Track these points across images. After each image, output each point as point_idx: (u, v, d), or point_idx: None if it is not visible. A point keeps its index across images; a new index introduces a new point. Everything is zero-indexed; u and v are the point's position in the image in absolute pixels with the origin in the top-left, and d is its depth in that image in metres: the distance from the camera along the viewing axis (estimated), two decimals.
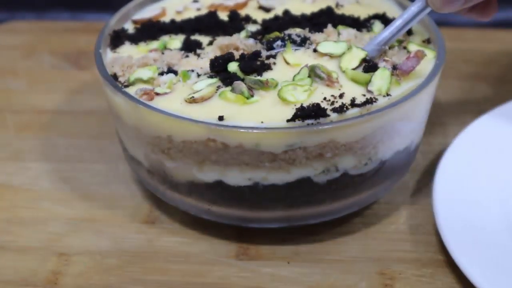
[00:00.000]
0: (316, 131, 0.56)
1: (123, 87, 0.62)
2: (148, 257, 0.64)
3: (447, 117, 0.76)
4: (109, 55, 0.67)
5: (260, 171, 0.58)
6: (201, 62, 0.64)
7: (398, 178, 0.66)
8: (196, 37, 0.68)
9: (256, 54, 0.62)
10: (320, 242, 0.65)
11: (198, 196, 0.62)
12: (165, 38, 0.68)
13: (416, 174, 0.72)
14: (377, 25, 0.68)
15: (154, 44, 0.67)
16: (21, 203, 0.70)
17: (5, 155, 0.76)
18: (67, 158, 0.67)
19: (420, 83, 0.61)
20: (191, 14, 0.71)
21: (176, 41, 0.67)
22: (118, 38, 0.68)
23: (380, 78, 0.60)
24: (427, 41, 0.67)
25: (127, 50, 0.67)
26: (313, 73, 0.60)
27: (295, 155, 0.57)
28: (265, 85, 0.59)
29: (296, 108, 0.57)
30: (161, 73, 0.62)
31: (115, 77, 0.63)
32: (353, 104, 0.58)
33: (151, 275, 0.62)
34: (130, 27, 0.70)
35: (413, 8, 0.62)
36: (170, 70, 0.63)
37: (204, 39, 0.67)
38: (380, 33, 0.63)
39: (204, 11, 0.72)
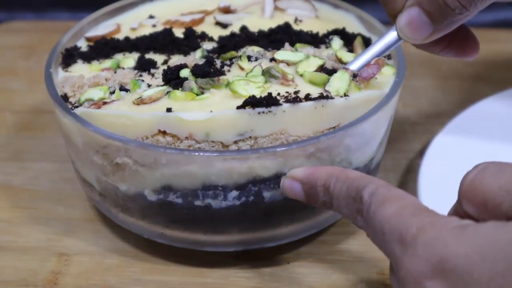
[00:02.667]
0: (266, 116, 0.56)
1: (73, 108, 0.61)
2: (148, 257, 0.64)
3: (447, 117, 0.76)
4: (60, 74, 0.66)
5: (212, 170, 0.57)
6: (155, 81, 0.63)
7: None
8: (150, 55, 0.67)
9: (210, 61, 0.62)
10: (320, 242, 0.65)
11: (151, 220, 0.61)
12: (118, 57, 0.67)
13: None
14: (336, 41, 0.67)
15: (107, 63, 0.66)
16: (21, 203, 0.70)
17: (5, 155, 0.76)
18: (67, 158, 0.67)
19: (380, 93, 0.60)
20: (146, 30, 0.70)
21: (130, 59, 0.66)
22: (70, 57, 0.67)
23: (339, 80, 0.59)
24: (387, 57, 0.66)
25: (80, 69, 0.66)
26: (268, 73, 0.59)
27: (246, 147, 0.57)
28: (216, 83, 0.59)
29: (248, 97, 0.57)
30: (113, 92, 0.61)
31: (65, 97, 0.62)
32: (307, 98, 0.57)
33: (151, 275, 0.62)
34: (83, 45, 0.69)
35: (388, 41, 0.61)
36: (122, 89, 0.62)
37: (158, 58, 0.66)
38: (350, 62, 0.62)
39: (159, 28, 0.70)
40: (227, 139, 0.57)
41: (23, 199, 0.70)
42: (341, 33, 0.69)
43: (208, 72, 0.60)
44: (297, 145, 0.56)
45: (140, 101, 0.58)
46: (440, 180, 0.66)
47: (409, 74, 0.66)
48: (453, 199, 0.48)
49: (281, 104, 0.57)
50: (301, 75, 0.60)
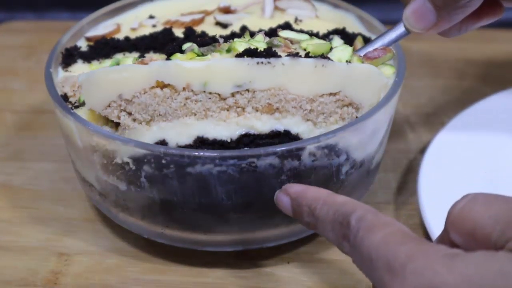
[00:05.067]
0: (265, 67, 0.55)
1: (73, 108, 0.61)
2: (148, 257, 0.64)
3: (447, 117, 0.76)
4: (60, 74, 0.66)
5: (208, 123, 0.57)
6: None
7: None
8: (150, 55, 0.67)
9: (213, 38, 0.61)
10: (320, 242, 0.65)
11: (151, 220, 0.61)
12: (118, 56, 0.67)
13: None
14: (336, 40, 0.66)
15: (107, 63, 0.66)
16: (21, 203, 0.70)
17: (5, 155, 0.76)
18: (67, 158, 0.67)
19: (381, 73, 0.60)
20: (146, 30, 0.70)
21: (130, 59, 0.65)
22: (70, 56, 0.67)
23: (341, 50, 0.59)
24: None
25: (80, 68, 0.66)
26: (270, 43, 0.59)
27: (244, 101, 0.56)
28: (217, 47, 0.59)
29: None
30: None
31: (65, 97, 0.62)
32: (307, 55, 0.57)
33: (151, 275, 0.62)
34: (83, 45, 0.69)
35: (396, 33, 0.62)
36: None
37: (158, 58, 0.66)
38: (357, 50, 0.62)
39: (159, 28, 0.70)
40: (225, 90, 0.56)
41: (23, 199, 0.70)
42: (341, 33, 0.69)
43: (211, 44, 0.60)
44: (296, 145, 0.56)
45: (141, 62, 0.58)
46: (440, 180, 0.66)
47: (409, 74, 0.66)
48: (453, 199, 0.48)
49: (280, 56, 0.56)
50: (304, 49, 0.60)
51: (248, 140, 0.57)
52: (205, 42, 0.62)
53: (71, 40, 0.69)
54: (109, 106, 0.58)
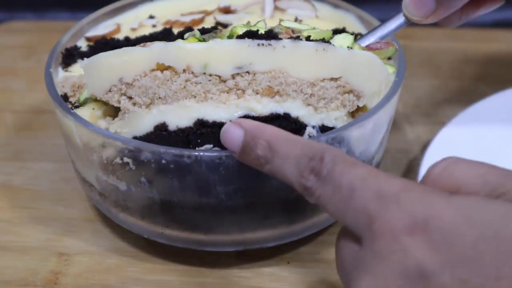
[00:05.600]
0: (266, 49, 0.55)
1: (73, 108, 0.61)
2: (148, 257, 0.64)
3: (447, 117, 0.76)
4: (60, 74, 0.66)
5: (208, 106, 0.56)
6: None
7: None
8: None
9: (215, 27, 0.61)
10: (320, 242, 0.65)
11: (151, 220, 0.61)
12: None
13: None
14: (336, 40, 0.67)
15: None
16: (21, 203, 0.70)
17: (5, 155, 0.76)
18: (67, 158, 0.67)
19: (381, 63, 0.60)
20: (146, 31, 0.70)
21: None
22: (70, 56, 0.67)
23: (343, 38, 0.59)
24: (388, 57, 0.66)
25: (80, 68, 0.65)
26: (271, 31, 0.59)
27: (244, 83, 0.56)
28: (219, 33, 0.58)
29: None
30: None
31: (65, 97, 0.62)
32: (308, 39, 0.57)
33: (151, 275, 0.62)
34: (83, 45, 0.69)
35: (396, 23, 0.62)
36: None
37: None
38: (357, 40, 0.62)
39: (159, 28, 0.70)
40: (225, 71, 0.56)
41: (23, 199, 0.70)
42: (341, 32, 0.68)
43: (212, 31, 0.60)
44: None
45: (143, 46, 0.58)
46: None
47: (409, 74, 0.66)
48: None
49: (281, 39, 0.56)
50: (306, 38, 0.60)
51: None
52: (207, 30, 0.61)
53: (71, 40, 0.69)
54: (110, 90, 0.58)
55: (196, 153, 0.55)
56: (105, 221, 0.67)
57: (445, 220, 0.40)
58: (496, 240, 0.39)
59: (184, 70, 0.56)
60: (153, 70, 0.57)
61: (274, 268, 0.63)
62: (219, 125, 0.56)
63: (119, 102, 0.58)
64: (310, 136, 0.56)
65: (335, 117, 0.58)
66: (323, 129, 0.57)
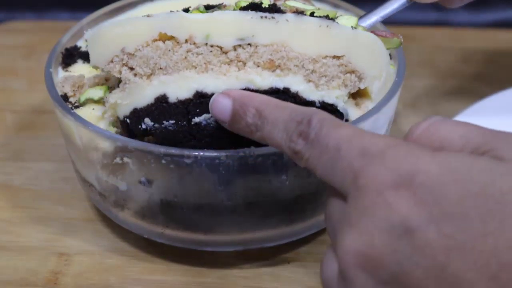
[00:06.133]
0: (268, 22, 0.55)
1: (73, 108, 0.61)
2: (148, 257, 0.64)
3: (447, 117, 0.76)
4: (60, 74, 0.66)
5: (208, 77, 0.56)
6: None
7: None
8: None
9: (218, 5, 0.61)
10: (320, 242, 0.65)
11: (151, 220, 0.61)
12: None
13: None
14: None
15: None
16: (21, 203, 0.70)
17: (5, 155, 0.76)
18: (67, 158, 0.67)
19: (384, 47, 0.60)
20: None
21: None
22: (70, 56, 0.67)
23: (347, 19, 0.59)
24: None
25: (80, 68, 0.66)
26: (275, 6, 0.58)
27: (245, 55, 0.56)
28: (222, 8, 0.58)
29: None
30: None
31: (65, 97, 0.62)
32: (312, 15, 0.57)
33: (151, 275, 0.62)
34: (83, 45, 0.69)
35: (396, 4, 0.63)
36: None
37: None
38: (360, 20, 0.62)
39: None
40: (227, 43, 0.56)
41: (23, 199, 0.70)
42: None
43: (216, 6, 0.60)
44: None
45: (146, 16, 0.58)
46: None
47: (409, 74, 0.66)
48: None
49: (285, 12, 0.56)
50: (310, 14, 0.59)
51: None
52: (211, 6, 0.61)
53: (71, 40, 0.69)
54: (111, 61, 0.57)
55: (196, 153, 0.55)
56: (105, 221, 0.67)
57: (431, 176, 0.40)
58: (482, 196, 0.39)
59: (186, 41, 0.56)
60: (155, 40, 0.56)
61: (274, 268, 0.63)
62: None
63: (120, 72, 0.57)
64: None
65: (336, 95, 0.57)
66: (324, 106, 0.57)
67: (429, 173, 0.40)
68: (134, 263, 0.63)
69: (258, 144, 0.56)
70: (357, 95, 0.59)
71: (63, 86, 0.63)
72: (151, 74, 0.57)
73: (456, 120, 0.45)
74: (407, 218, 0.39)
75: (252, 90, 0.56)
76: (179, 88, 0.56)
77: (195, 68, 0.56)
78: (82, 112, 0.61)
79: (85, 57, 0.67)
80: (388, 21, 0.65)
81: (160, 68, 0.56)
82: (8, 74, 0.89)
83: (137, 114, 0.57)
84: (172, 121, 0.56)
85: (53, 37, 0.72)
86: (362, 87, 0.58)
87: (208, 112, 0.55)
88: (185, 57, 0.56)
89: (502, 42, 0.93)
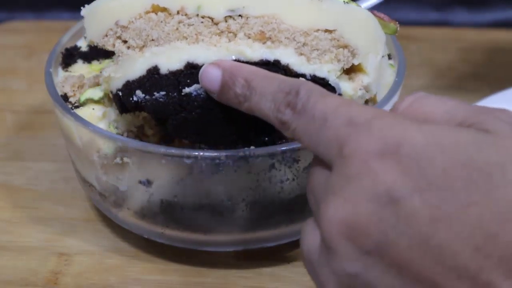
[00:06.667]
0: None
1: (73, 108, 0.61)
2: (148, 257, 0.64)
3: None
4: (60, 74, 0.66)
5: (198, 48, 0.56)
6: None
7: None
8: None
9: None
10: None
11: (151, 220, 0.61)
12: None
13: None
14: None
15: (107, 63, 0.65)
16: (21, 203, 0.70)
17: (5, 155, 0.76)
18: (67, 158, 0.67)
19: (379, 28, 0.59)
20: None
21: None
22: (70, 56, 0.67)
23: None
24: (388, 57, 0.66)
25: (80, 68, 0.66)
26: None
27: (236, 26, 0.56)
28: None
29: None
30: None
31: (65, 97, 0.62)
32: None
33: (151, 275, 0.62)
34: (83, 45, 0.69)
35: None
36: None
37: None
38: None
39: None
40: (218, 14, 0.56)
41: (23, 199, 0.70)
42: None
43: None
44: (295, 145, 0.56)
45: None
46: None
47: (409, 74, 0.66)
48: None
49: None
50: None
51: None
52: None
53: (71, 40, 0.69)
54: (106, 35, 0.57)
55: (196, 153, 0.55)
56: (105, 221, 0.67)
57: (417, 145, 0.39)
58: (467, 167, 0.39)
59: (178, 12, 0.56)
60: (148, 12, 0.56)
61: (274, 268, 0.63)
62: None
63: (114, 45, 0.57)
64: None
65: (328, 69, 0.57)
66: (315, 79, 0.56)
67: (415, 142, 0.39)
68: (134, 263, 0.63)
69: (258, 144, 0.56)
70: (351, 70, 0.59)
71: (63, 86, 0.63)
72: (143, 46, 0.57)
73: (440, 96, 0.44)
74: (392, 187, 0.39)
75: (243, 62, 0.55)
76: (170, 59, 0.56)
77: (186, 39, 0.56)
78: (82, 112, 0.61)
79: (85, 57, 0.67)
80: None
81: (152, 40, 0.56)
82: (8, 74, 0.89)
83: (129, 87, 0.56)
84: (163, 93, 0.55)
85: (53, 37, 0.72)
86: (356, 62, 0.58)
87: (198, 82, 0.55)
88: (177, 28, 0.56)
89: (502, 42, 0.93)
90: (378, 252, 0.39)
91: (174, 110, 0.55)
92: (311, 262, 0.43)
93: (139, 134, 0.60)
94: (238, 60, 0.55)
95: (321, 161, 0.44)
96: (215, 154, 0.55)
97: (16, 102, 0.84)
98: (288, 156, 0.56)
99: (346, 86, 0.58)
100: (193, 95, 0.55)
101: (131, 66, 0.56)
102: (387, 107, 0.59)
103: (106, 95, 0.61)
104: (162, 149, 0.56)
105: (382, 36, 0.59)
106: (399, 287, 0.39)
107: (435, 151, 0.39)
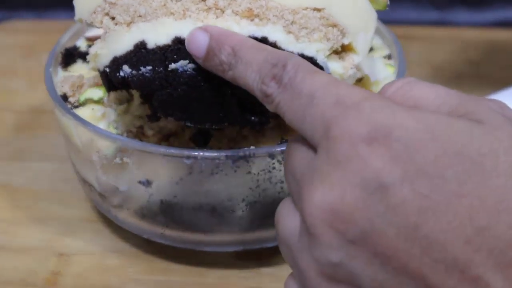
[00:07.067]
0: None
1: (73, 108, 0.61)
2: (148, 257, 0.64)
3: None
4: (60, 74, 0.66)
5: (186, 24, 0.55)
6: None
7: None
8: None
9: None
10: None
11: (151, 220, 0.61)
12: None
13: None
14: None
15: None
16: (21, 203, 0.70)
17: (5, 155, 0.76)
18: (67, 158, 0.67)
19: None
20: None
21: None
22: (70, 56, 0.67)
23: None
24: (388, 57, 0.66)
25: (79, 68, 0.66)
26: None
27: (224, 3, 0.55)
28: None
29: None
30: None
31: (65, 97, 0.62)
32: None
33: (151, 275, 0.62)
34: (83, 45, 0.69)
35: None
36: None
37: None
38: None
39: None
40: None
41: (23, 199, 0.70)
42: None
43: None
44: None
45: None
46: None
47: (409, 74, 0.66)
48: None
49: None
50: None
51: None
52: None
53: (71, 40, 0.69)
54: (94, 12, 0.57)
55: (196, 153, 0.55)
56: (105, 221, 0.67)
57: (408, 131, 0.38)
58: (459, 156, 0.38)
59: None
60: None
61: (274, 268, 0.62)
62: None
63: (101, 22, 0.57)
64: None
65: (317, 49, 0.56)
66: (303, 58, 0.55)
67: (406, 128, 0.38)
68: (134, 263, 0.63)
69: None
70: (342, 49, 0.58)
71: (62, 86, 0.63)
72: (130, 22, 0.56)
73: (430, 83, 0.43)
74: (381, 174, 0.38)
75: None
76: (158, 34, 0.55)
77: (173, 15, 0.56)
78: (81, 112, 0.61)
79: (85, 57, 0.67)
80: (388, 21, 0.65)
81: (140, 16, 0.56)
82: (7, 74, 0.89)
83: (116, 62, 0.56)
84: (149, 67, 0.55)
85: (53, 37, 0.72)
86: (346, 42, 0.57)
87: (185, 58, 0.54)
88: (164, 4, 0.56)
89: (502, 41, 0.93)
90: (363, 241, 0.38)
91: (160, 85, 0.55)
92: (288, 246, 0.42)
93: (139, 134, 0.60)
94: None
95: (303, 140, 0.42)
96: (215, 154, 0.55)
97: (15, 102, 0.84)
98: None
99: (336, 65, 0.57)
100: (179, 71, 0.54)
101: (119, 42, 0.56)
102: None
103: (105, 95, 0.61)
104: (162, 149, 0.56)
105: (372, 13, 0.58)
106: (383, 278, 0.38)
107: (426, 138, 0.38)
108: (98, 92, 0.62)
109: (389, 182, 0.38)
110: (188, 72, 0.54)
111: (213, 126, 0.56)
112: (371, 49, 0.66)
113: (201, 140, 0.60)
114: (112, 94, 0.61)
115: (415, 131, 0.38)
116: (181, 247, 0.62)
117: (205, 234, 0.60)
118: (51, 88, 0.62)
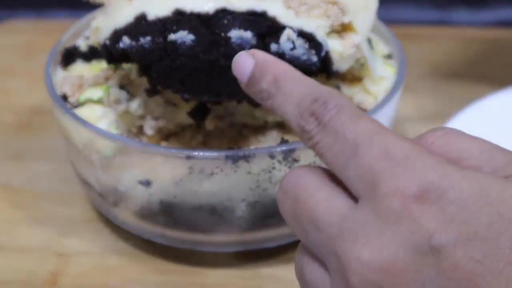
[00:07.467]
0: None
1: (72, 108, 0.61)
2: (148, 257, 0.64)
3: (447, 117, 0.76)
4: (60, 74, 0.66)
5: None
6: None
7: None
8: None
9: None
10: None
11: (151, 220, 0.61)
12: None
13: None
14: None
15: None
16: (21, 203, 0.70)
17: (5, 155, 0.76)
18: (67, 158, 0.67)
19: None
20: None
21: None
22: (70, 56, 0.67)
23: None
24: (388, 57, 0.66)
25: (79, 68, 0.66)
26: None
27: None
28: None
29: None
30: None
31: (64, 97, 0.62)
32: None
33: (151, 275, 0.62)
34: (82, 44, 0.69)
35: None
36: (122, 88, 0.61)
37: None
38: None
39: None
40: None
41: (23, 199, 0.70)
42: None
43: None
44: (292, 146, 0.56)
45: None
46: None
47: (409, 73, 0.66)
48: None
49: None
50: None
51: (223, 15, 0.55)
52: None
53: (71, 40, 0.69)
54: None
55: (196, 153, 0.55)
56: (105, 221, 0.67)
57: (462, 193, 0.37)
58: None
59: None
60: None
61: (274, 269, 0.62)
62: (196, 16, 0.55)
63: None
64: (289, 39, 0.55)
65: (317, 25, 0.56)
66: (302, 34, 0.55)
67: (460, 190, 0.37)
68: (134, 263, 0.63)
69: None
70: (342, 29, 0.58)
71: (62, 86, 0.63)
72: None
73: (472, 135, 0.42)
74: (434, 236, 0.37)
75: (230, 11, 0.54)
76: (159, 5, 0.55)
77: None
78: (81, 112, 0.61)
79: (85, 57, 0.67)
80: (388, 20, 0.65)
81: None
82: (7, 74, 0.89)
83: (117, 35, 0.56)
84: (148, 38, 0.54)
85: (53, 37, 0.72)
86: (346, 20, 0.57)
87: (184, 29, 0.54)
88: None
89: (503, 41, 0.92)
90: None
91: (159, 56, 0.54)
92: None
93: (138, 134, 0.60)
94: (224, 9, 0.54)
95: (339, 186, 0.41)
96: (215, 154, 0.55)
97: (15, 102, 0.84)
98: (288, 156, 0.56)
99: (336, 43, 0.57)
100: (178, 42, 0.54)
101: (119, 14, 0.56)
102: (387, 107, 0.59)
103: (106, 95, 0.61)
104: (162, 149, 0.56)
105: None
106: None
107: (480, 201, 0.37)
108: (98, 92, 0.62)
109: (442, 244, 0.37)
110: (186, 43, 0.54)
111: (211, 99, 0.56)
112: (371, 48, 0.66)
113: (199, 115, 0.60)
114: (112, 94, 0.61)
115: (469, 194, 0.37)
116: (181, 247, 0.62)
117: (205, 235, 0.60)
118: (50, 88, 0.62)
